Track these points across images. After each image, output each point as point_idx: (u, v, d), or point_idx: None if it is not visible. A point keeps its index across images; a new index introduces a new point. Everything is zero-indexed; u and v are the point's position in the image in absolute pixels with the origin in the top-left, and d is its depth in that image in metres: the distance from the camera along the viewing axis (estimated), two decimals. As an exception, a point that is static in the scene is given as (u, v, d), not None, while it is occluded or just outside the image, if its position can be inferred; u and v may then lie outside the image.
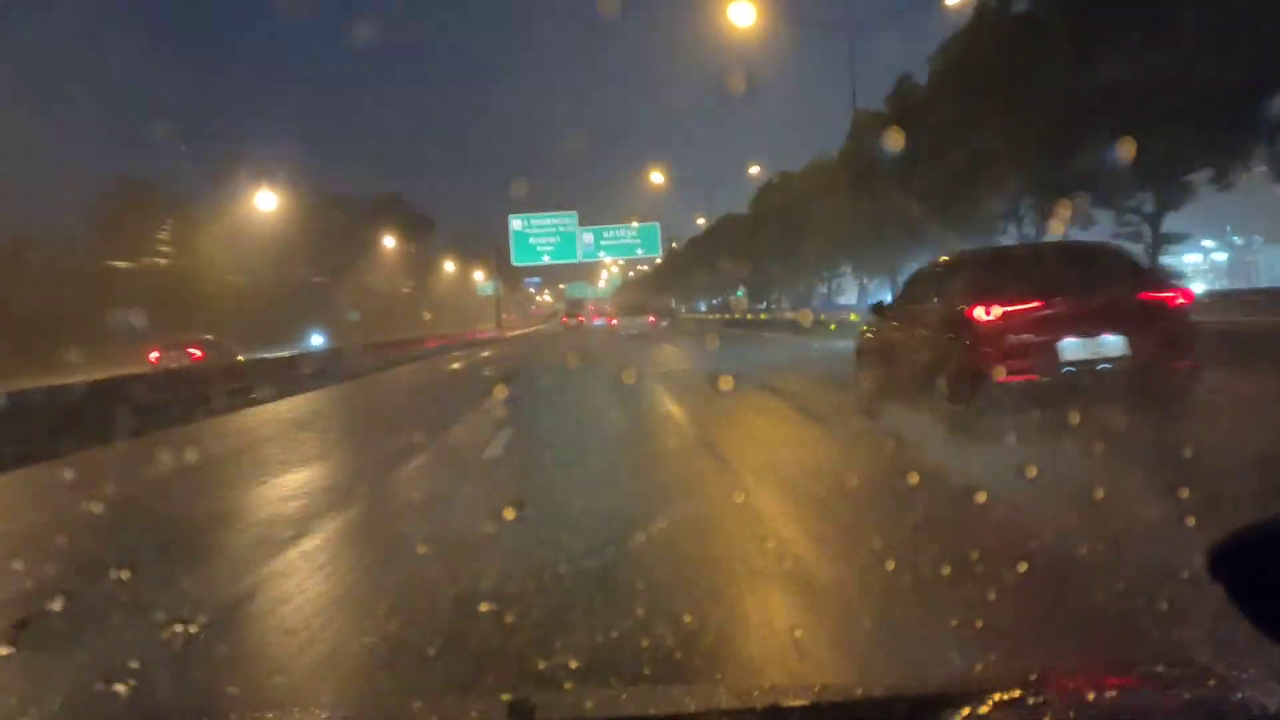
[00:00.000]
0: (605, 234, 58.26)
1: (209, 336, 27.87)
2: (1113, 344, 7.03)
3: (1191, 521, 3.77)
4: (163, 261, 33.60)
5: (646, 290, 69.37)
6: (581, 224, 58.03)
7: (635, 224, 58.62)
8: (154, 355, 25.97)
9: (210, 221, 35.69)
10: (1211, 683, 1.51)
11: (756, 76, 56.37)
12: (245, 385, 16.64)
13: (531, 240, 57.76)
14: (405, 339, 37.88)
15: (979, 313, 7.22)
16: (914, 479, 5.48)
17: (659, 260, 62.56)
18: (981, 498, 4.87)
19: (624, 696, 2.13)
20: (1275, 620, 1.20)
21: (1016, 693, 1.44)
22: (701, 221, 53.66)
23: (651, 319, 40.69)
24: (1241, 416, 6.87)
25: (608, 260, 75.63)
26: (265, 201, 34.50)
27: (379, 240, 56.79)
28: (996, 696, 1.43)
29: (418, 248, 67.42)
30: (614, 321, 43.04)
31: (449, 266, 77.97)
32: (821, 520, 5.06)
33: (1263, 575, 1.21)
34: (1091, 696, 1.44)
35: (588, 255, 58.70)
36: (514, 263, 58.63)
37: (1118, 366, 6.92)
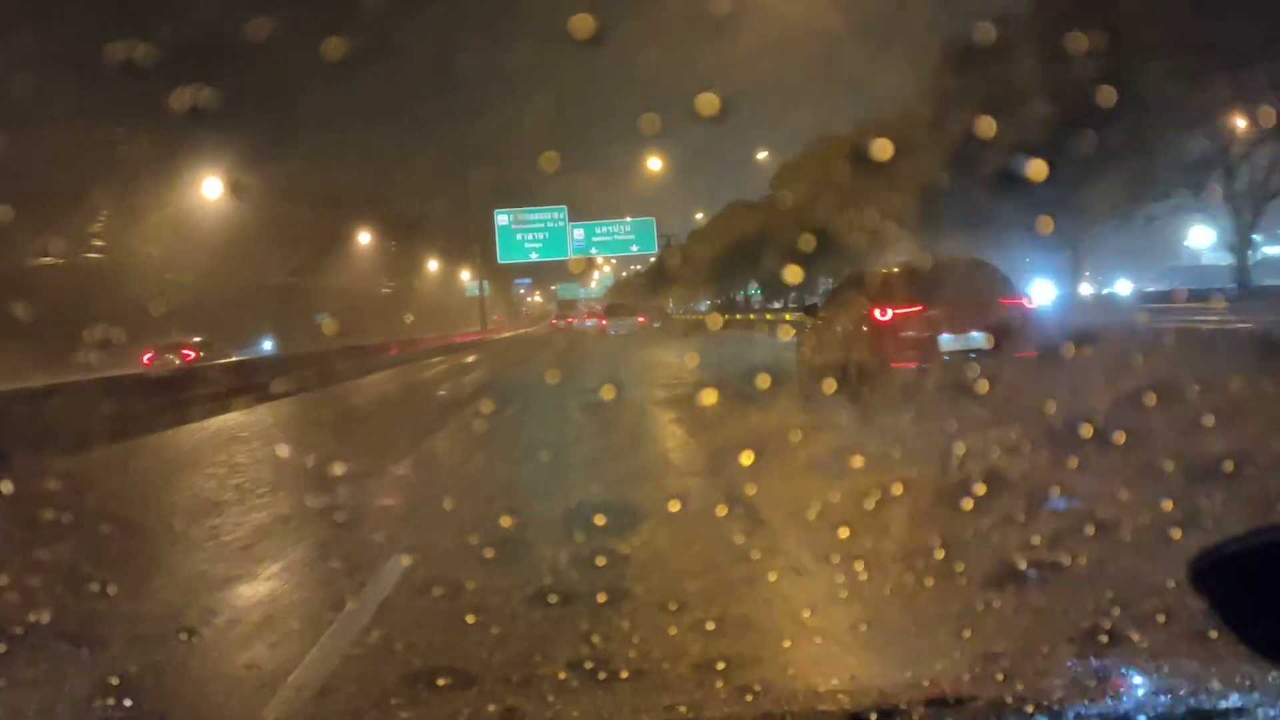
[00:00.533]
0: (597, 230, 54.27)
1: (201, 339, 27.51)
2: (978, 339, 9.72)
3: (1019, 461, 5.84)
4: (94, 256, 29.53)
5: (641, 290, 65.39)
6: (572, 219, 54.09)
7: (629, 219, 54.70)
8: (147, 357, 25.41)
9: (152, 212, 31.63)
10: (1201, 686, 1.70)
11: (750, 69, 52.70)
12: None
13: (519, 237, 53.76)
14: (370, 344, 34.10)
15: (878, 314, 9.87)
16: (796, 436, 7.69)
17: (655, 257, 58.61)
18: (847, 448, 6.79)
19: (609, 702, 2.38)
20: (1256, 631, 1.28)
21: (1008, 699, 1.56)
22: (700, 216, 49.88)
23: (641, 319, 42.56)
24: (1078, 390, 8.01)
25: (600, 259, 71.76)
26: (212, 191, 30.46)
27: (353, 238, 52.74)
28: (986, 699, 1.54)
29: (399, 246, 63.44)
30: (604, 322, 44.24)
31: (432, 266, 74.02)
32: (719, 443, 8.35)
33: (1243, 588, 1.27)
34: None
35: (579, 252, 54.71)
36: (500, 260, 54.64)
37: (982, 355, 9.50)
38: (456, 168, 57.66)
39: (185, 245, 30.58)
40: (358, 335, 43.86)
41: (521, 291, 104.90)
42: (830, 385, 9.68)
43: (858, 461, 5.75)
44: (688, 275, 60.83)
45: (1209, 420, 5.54)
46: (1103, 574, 3.73)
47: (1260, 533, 1.24)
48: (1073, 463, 5.08)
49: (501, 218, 53.14)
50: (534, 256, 54.23)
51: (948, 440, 6.15)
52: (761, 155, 48.22)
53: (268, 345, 37.11)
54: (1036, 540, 4.19)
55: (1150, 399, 6.02)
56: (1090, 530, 4.14)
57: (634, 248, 55.16)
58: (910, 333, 9.70)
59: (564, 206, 53.77)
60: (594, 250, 55.03)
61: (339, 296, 51.36)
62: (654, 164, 47.19)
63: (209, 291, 32.14)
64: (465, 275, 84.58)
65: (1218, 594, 1.30)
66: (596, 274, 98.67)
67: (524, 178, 55.88)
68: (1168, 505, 4.17)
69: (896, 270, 11.35)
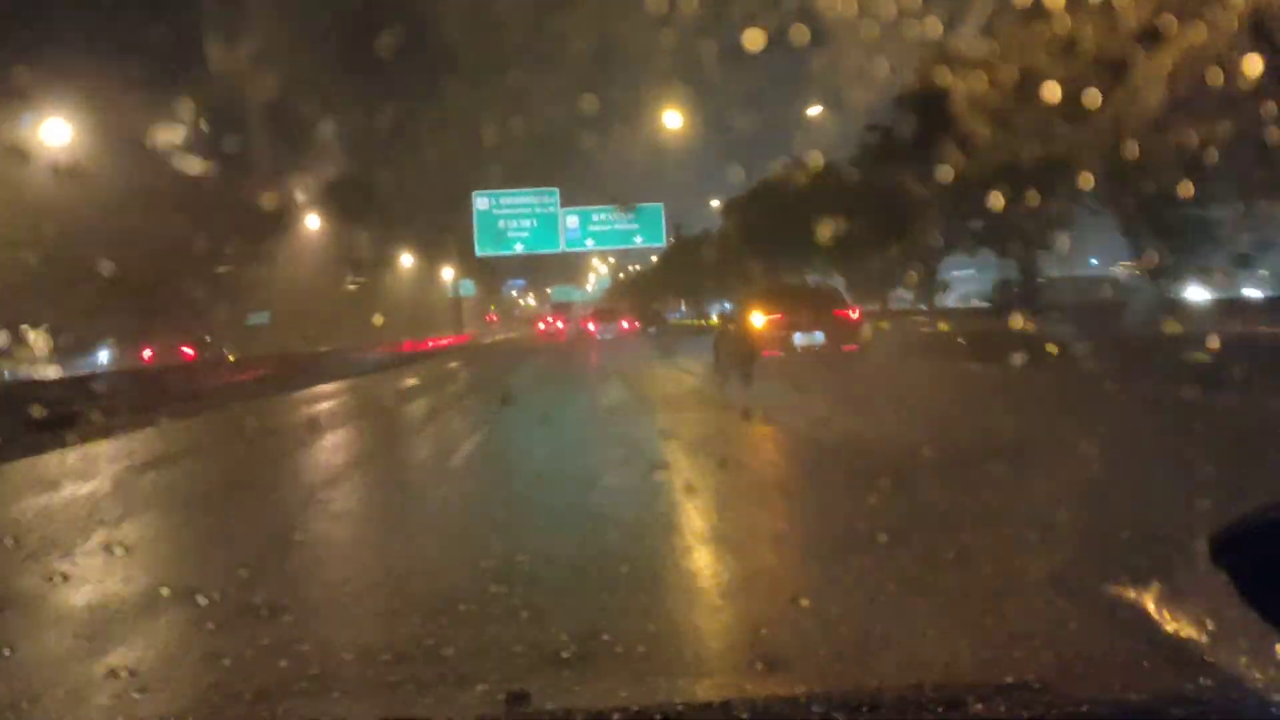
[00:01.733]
0: (594, 217, 45.84)
1: (206, 337, 28.22)
2: (818, 337, 15.23)
3: (813, 403, 11.47)
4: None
5: (641, 293, 56.85)
6: (565, 205, 45.70)
7: (629, 206, 46.28)
8: (147, 353, 26.53)
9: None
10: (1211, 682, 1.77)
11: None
12: None
13: (501, 224, 45.33)
14: (297, 354, 25.97)
15: (754, 319, 15.66)
16: (693, 397, 14.47)
17: (662, 250, 50.09)
18: (729, 401, 12.82)
19: (618, 686, 2.45)
20: (1276, 606, 1.29)
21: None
22: (716, 205, 41.37)
23: (624, 324, 45.47)
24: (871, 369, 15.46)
25: (598, 253, 63.32)
26: (54, 134, 21.81)
27: (301, 221, 43.96)
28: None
29: (370, 235, 54.72)
30: (590, 326, 46.78)
31: (407, 260, 65.39)
32: (643, 400, 14.37)
33: (1265, 562, 1.29)
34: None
35: (573, 245, 46.30)
36: (479, 252, 46.22)
37: (819, 348, 15.10)
38: (434, 141, 48.68)
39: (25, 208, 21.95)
40: (306, 339, 36.70)
41: (514, 293, 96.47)
42: (729, 366, 15.65)
43: (732, 408, 11.73)
44: (701, 274, 52.82)
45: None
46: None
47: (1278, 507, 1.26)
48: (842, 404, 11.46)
49: (481, 200, 44.71)
50: (519, 248, 45.83)
51: (783, 393, 12.29)
52: (814, 111, 39.49)
53: (104, 356, 28.92)
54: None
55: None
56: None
57: (638, 239, 46.72)
58: (775, 332, 15.36)
59: (555, 189, 45.40)
60: (590, 243, 46.62)
61: (291, 292, 43.06)
62: (672, 119, 38.45)
63: (66, 277, 23.58)
64: (449, 273, 76.49)
65: (1237, 568, 1.31)
66: (593, 275, 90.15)
67: (514, 157, 47.15)
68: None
69: (768, 290, 18.89)
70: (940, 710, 1.49)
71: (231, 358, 25.39)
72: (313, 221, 43.94)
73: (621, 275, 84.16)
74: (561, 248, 46.11)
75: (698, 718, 1.60)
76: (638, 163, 46.74)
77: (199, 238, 28.62)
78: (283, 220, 40.07)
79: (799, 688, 1.71)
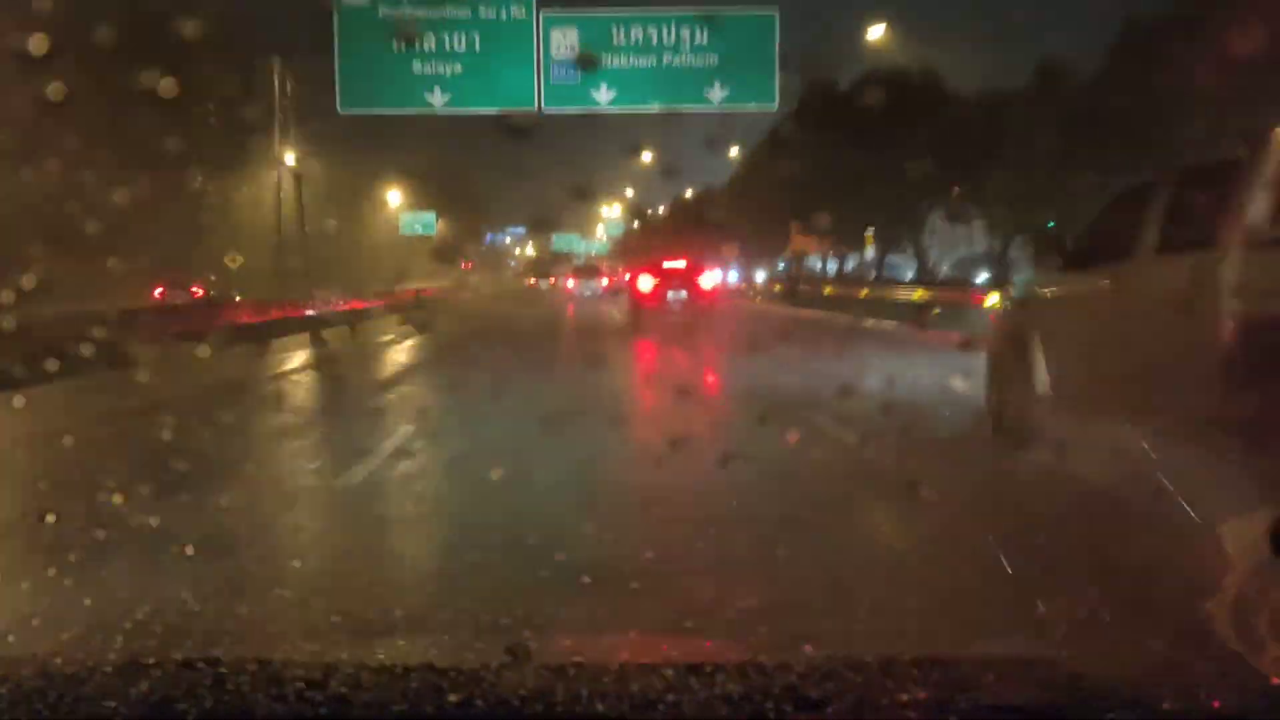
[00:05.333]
0: (617, 35, 19.51)
1: (212, 277, 27.95)
2: (682, 293, 20.48)
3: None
4: None
5: (661, 246, 30.81)
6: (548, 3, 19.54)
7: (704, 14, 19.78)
8: (159, 291, 26.66)
9: None
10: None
11: None
12: None
13: (397, 43, 19.27)
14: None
15: (641, 283, 21.07)
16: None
17: (783, 113, 23.23)
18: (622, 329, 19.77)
19: (619, 643, 2.28)
20: None
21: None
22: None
23: (606, 282, 39.38)
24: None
25: (624, 124, 37.23)
26: None
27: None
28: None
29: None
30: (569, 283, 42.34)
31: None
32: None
33: None
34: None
35: (564, 99, 20.07)
36: (341, 109, 19.85)
37: (684, 300, 20.45)
38: None
39: None
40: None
41: (508, 240, 70.40)
42: (631, 315, 20.73)
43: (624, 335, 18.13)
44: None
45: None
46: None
47: None
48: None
49: (345, -19, 18.65)
50: (438, 99, 19.38)
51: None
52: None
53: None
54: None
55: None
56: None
57: (716, 92, 19.88)
58: (656, 291, 20.52)
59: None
60: (604, 93, 19.92)
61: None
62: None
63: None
64: (394, 198, 50.40)
65: None
66: (601, 226, 63.64)
67: None
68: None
69: (653, 265, 21.66)
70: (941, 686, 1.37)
71: (238, 297, 24.63)
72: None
73: (637, 224, 56.73)
74: (539, 106, 19.73)
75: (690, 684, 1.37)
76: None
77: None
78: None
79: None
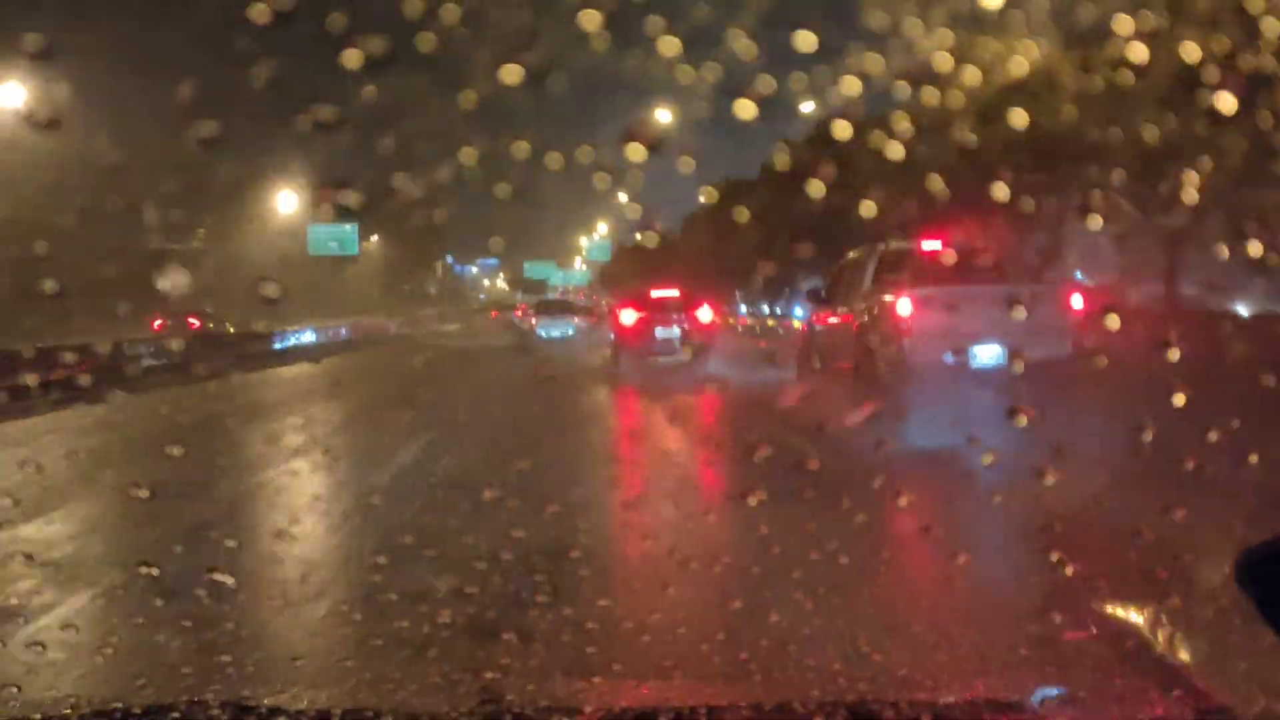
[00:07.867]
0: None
1: (208, 310, 29.11)
2: (676, 331, 18.04)
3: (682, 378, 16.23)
4: None
5: (651, 271, 30.83)
6: None
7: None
8: (157, 323, 26.94)
9: None
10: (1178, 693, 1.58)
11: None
12: None
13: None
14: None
15: (623, 318, 18.67)
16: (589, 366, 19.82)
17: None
18: (605, 374, 18.16)
19: (592, 688, 2.31)
20: None
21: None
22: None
23: (588, 319, 29.64)
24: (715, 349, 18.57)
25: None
26: None
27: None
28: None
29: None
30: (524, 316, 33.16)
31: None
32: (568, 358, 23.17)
33: None
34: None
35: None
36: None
37: (677, 340, 18.01)
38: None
39: None
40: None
41: (475, 271, 70.51)
42: (611, 352, 19.35)
43: (609, 381, 16.85)
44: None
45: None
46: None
47: None
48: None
49: None
50: None
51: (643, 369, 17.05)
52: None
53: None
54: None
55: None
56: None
57: None
58: (642, 327, 18.27)
59: None
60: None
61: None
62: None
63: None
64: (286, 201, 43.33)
65: (1264, 591, 1.29)
66: (577, 258, 61.79)
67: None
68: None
69: (638, 295, 19.97)
70: None
71: (231, 329, 26.99)
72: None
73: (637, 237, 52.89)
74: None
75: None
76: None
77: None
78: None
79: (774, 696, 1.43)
